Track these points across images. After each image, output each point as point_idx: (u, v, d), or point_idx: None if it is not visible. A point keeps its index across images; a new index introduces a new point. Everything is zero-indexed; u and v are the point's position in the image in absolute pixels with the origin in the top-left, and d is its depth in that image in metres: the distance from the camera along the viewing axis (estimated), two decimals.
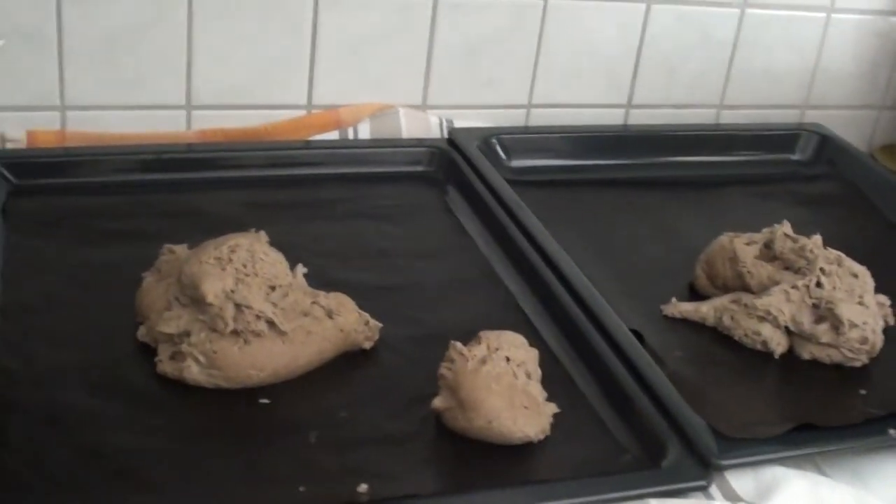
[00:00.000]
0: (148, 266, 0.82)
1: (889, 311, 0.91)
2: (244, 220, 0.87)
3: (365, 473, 0.69)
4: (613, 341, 0.83)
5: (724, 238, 0.95)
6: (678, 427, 0.75)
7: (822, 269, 0.89)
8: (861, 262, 0.91)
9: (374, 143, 1.11)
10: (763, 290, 0.90)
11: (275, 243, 0.81)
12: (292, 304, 0.76)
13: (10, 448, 0.67)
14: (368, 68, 1.12)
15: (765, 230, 0.95)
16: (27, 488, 0.65)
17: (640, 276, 0.96)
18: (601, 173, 1.15)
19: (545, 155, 1.15)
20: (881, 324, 0.89)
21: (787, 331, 0.88)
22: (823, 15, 1.29)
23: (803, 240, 0.92)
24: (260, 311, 0.74)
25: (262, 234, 0.81)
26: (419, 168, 1.09)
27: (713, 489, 0.71)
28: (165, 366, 0.74)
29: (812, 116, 1.33)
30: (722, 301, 0.91)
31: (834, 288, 0.87)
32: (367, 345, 0.80)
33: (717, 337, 0.89)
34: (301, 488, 0.67)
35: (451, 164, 1.09)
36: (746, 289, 0.91)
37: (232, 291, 0.74)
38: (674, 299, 0.92)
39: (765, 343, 0.87)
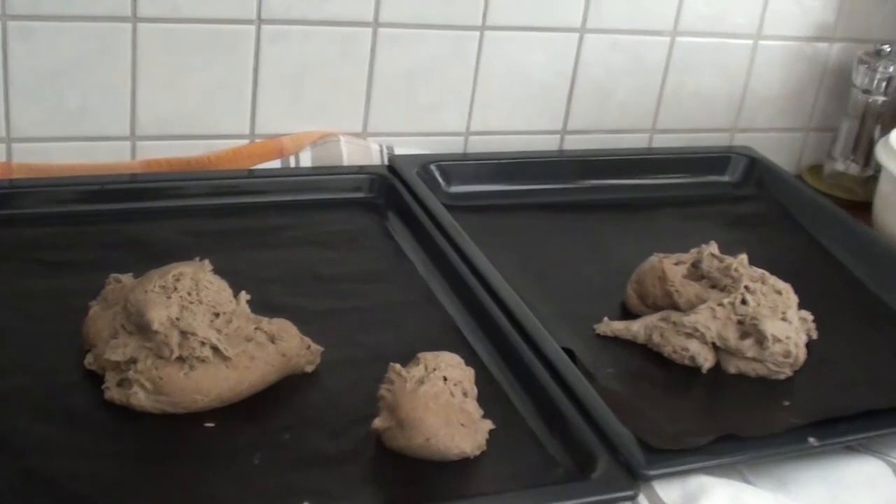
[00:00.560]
0: (94, 295, 0.84)
1: (811, 325, 0.95)
2: (188, 249, 0.89)
3: (307, 493, 0.71)
4: (547, 360, 0.85)
5: (654, 258, 0.98)
6: (608, 440, 0.77)
7: (746, 287, 0.92)
8: (787, 279, 0.94)
9: (316, 170, 1.13)
10: (691, 308, 0.93)
11: (218, 271, 0.83)
12: (236, 331, 0.78)
13: None
14: (310, 97, 1.14)
15: (692, 250, 0.98)
16: None
17: (573, 297, 0.99)
18: (537, 198, 1.17)
19: (483, 180, 1.17)
20: (804, 338, 0.92)
21: (714, 346, 0.91)
22: (751, 42, 1.32)
23: (729, 259, 0.95)
24: (204, 338, 0.76)
25: (206, 262, 0.83)
26: (360, 195, 1.11)
27: (641, 498, 0.74)
28: (113, 392, 0.76)
29: (741, 139, 1.36)
30: (652, 319, 0.94)
31: (758, 305, 0.90)
32: (309, 368, 0.83)
33: (647, 354, 0.92)
34: None
35: (392, 190, 1.11)
36: (675, 307, 0.94)
37: (177, 319, 0.76)
38: (606, 318, 0.95)
39: (693, 358, 0.90)
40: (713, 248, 0.97)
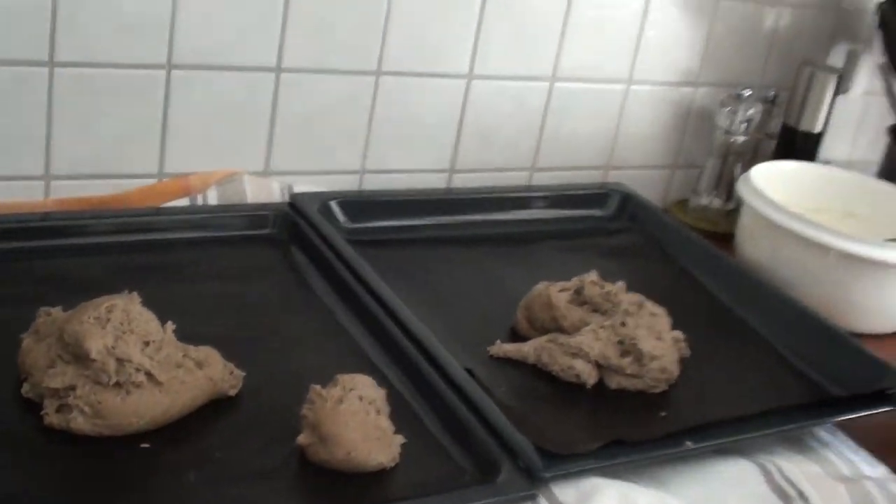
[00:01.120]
0: (24, 329, 0.87)
1: (683, 344, 1.02)
2: (106, 283, 0.91)
3: None
4: (449, 378, 0.91)
5: (541, 286, 1.05)
6: (508, 448, 0.84)
7: (625, 311, 0.99)
8: (659, 303, 1.02)
9: (221, 208, 1.15)
10: (575, 330, 1.00)
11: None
12: (166, 357, 0.83)
13: None
14: (216, 138, 1.17)
15: (575, 279, 1.05)
16: None
17: (468, 322, 1.04)
18: (430, 232, 1.22)
19: (379, 216, 1.21)
20: (677, 355, 1.00)
21: (597, 364, 0.97)
22: (623, 86, 1.39)
23: (609, 286, 1.03)
24: (139, 364, 0.80)
25: (135, 294, 0.87)
26: (264, 231, 1.14)
27: (541, 499, 0.82)
28: (52, 418, 0.80)
29: (614, 176, 1.43)
30: (540, 341, 1.00)
31: (636, 326, 0.97)
32: (233, 392, 0.87)
33: (537, 372, 0.98)
34: None
35: (294, 226, 1.14)
36: (561, 330, 1.01)
37: (113, 347, 0.80)
38: (498, 341, 1.01)
39: (578, 376, 0.97)
40: (593, 276, 1.04)
